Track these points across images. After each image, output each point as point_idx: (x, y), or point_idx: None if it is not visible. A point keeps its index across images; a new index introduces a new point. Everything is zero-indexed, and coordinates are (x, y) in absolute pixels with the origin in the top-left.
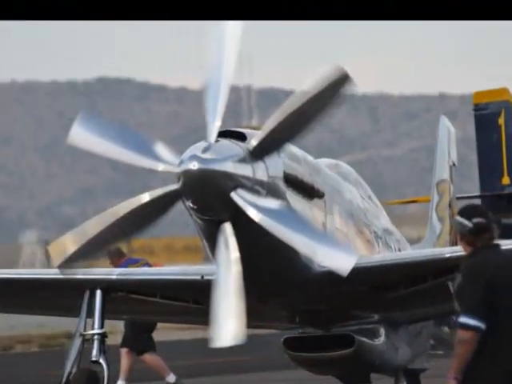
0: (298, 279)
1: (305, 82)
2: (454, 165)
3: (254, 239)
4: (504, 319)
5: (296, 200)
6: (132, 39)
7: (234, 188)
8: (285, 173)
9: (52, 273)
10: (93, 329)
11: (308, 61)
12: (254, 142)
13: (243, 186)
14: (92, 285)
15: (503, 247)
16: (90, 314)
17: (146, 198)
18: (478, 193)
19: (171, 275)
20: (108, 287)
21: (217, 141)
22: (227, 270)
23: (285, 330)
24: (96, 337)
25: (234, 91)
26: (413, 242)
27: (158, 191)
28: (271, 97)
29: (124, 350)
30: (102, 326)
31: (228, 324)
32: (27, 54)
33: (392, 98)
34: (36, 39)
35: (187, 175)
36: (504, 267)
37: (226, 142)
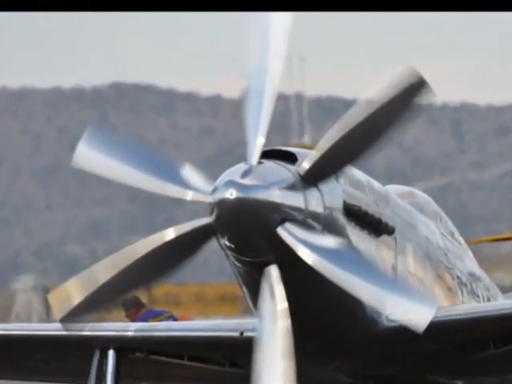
0: (362, 336)
1: (370, 89)
2: None
3: (306, 286)
4: None
5: (359, 237)
6: (153, 36)
7: (282, 222)
8: (345, 203)
9: (53, 328)
10: None
11: (373, 63)
12: (306, 165)
13: (293, 220)
14: (103, 343)
15: None
16: (101, 379)
17: (170, 234)
18: None
19: (202, 331)
20: (123, 346)
21: (260, 163)
22: (273, 324)
23: None
24: None
25: (282, 100)
26: (506, 289)
27: (186, 226)
28: (327, 107)
29: None
30: None
31: None
32: (23, 54)
33: (479, 109)
34: (34, 36)
35: (222, 206)
36: None
37: (271, 165)
